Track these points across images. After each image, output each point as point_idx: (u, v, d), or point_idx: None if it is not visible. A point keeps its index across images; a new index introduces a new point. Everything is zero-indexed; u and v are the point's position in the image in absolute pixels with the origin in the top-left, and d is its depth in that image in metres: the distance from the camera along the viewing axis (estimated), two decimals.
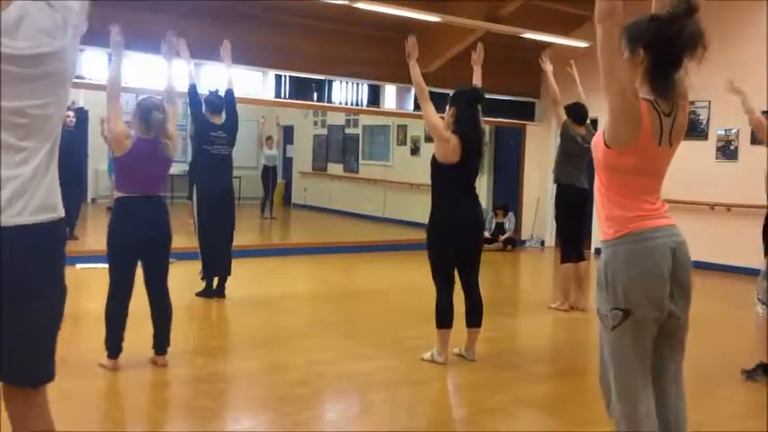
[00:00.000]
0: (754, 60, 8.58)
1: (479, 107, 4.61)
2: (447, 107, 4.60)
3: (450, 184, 4.52)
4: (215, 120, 6.26)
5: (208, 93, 6.38)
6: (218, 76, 6.62)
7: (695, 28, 2.24)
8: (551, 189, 11.33)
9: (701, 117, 9.40)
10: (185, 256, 6.94)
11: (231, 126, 6.32)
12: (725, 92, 5.06)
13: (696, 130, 9.41)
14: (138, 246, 4.19)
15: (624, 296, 2.32)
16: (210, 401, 3.87)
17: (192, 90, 6.15)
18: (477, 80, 4.97)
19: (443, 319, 4.55)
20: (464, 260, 4.61)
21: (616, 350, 2.38)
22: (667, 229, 2.38)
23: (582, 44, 8.91)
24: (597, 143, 2.41)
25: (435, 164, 4.55)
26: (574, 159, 6.25)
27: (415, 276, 8.60)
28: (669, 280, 2.34)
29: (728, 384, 4.41)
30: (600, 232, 2.46)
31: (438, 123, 4.50)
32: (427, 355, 4.64)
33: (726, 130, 9.19)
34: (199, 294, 6.34)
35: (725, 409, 4.01)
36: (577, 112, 6.35)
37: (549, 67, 6.30)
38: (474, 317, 4.68)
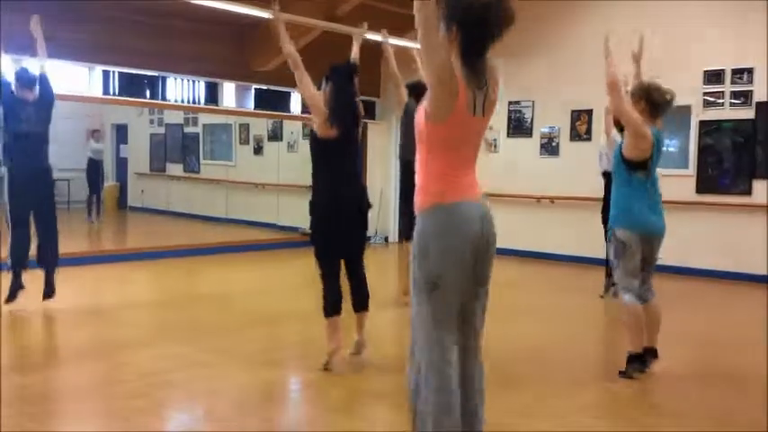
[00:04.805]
0: (574, 59, 9.32)
1: (355, 80, 4.57)
2: (323, 82, 4.49)
3: (331, 159, 4.41)
4: (26, 95, 5.86)
5: (19, 69, 5.99)
6: (33, 68, 6.15)
7: (505, 8, 2.39)
8: (394, 186, 11.66)
9: (525, 116, 10.06)
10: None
11: (46, 101, 5.93)
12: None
13: (522, 128, 10.06)
14: None
15: (434, 264, 2.45)
16: (35, 423, 3.57)
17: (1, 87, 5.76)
18: (354, 55, 5.05)
19: (332, 307, 4.38)
20: (348, 243, 4.47)
21: (425, 317, 2.50)
22: (476, 202, 2.53)
23: (417, 45, 9.21)
24: (419, 118, 2.52)
25: (316, 140, 4.42)
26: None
27: (260, 277, 8.51)
28: (475, 252, 2.49)
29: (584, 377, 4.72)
30: (415, 203, 2.56)
31: (316, 96, 4.39)
32: (326, 357, 4.42)
33: (549, 128, 9.90)
34: (9, 299, 5.78)
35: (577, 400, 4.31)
36: (419, 90, 6.49)
37: (389, 47, 6.39)
38: (359, 302, 4.59)
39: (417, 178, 2.57)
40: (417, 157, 2.57)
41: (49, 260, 5.95)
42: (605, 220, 6.86)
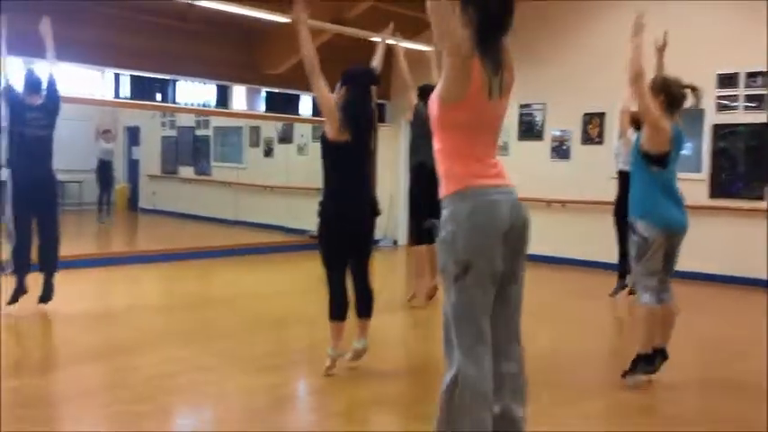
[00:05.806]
0: (586, 62, 9.24)
1: (373, 88, 4.46)
2: (338, 86, 4.38)
3: (341, 163, 4.34)
4: (32, 99, 5.86)
5: (26, 71, 5.99)
6: (42, 71, 6.16)
7: None
8: (404, 189, 11.63)
9: (536, 119, 9.98)
10: None
11: (52, 106, 5.91)
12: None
13: (532, 131, 10.00)
14: None
15: (464, 249, 2.36)
16: (37, 427, 3.56)
17: (7, 91, 5.81)
18: (377, 62, 4.90)
19: (336, 310, 4.38)
20: (355, 248, 4.44)
21: (457, 304, 2.42)
22: (504, 189, 2.47)
23: (427, 48, 9.16)
24: (432, 102, 2.48)
25: (326, 144, 4.34)
26: (429, 140, 6.36)
27: (268, 280, 8.50)
28: (504, 237, 2.42)
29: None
30: (440, 189, 2.49)
31: (331, 100, 4.27)
32: (327, 361, 4.41)
33: (561, 131, 9.82)
34: (11, 301, 5.76)
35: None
36: (429, 93, 6.43)
37: (400, 48, 6.24)
38: (363, 307, 4.54)
39: (439, 167, 2.50)
40: (436, 147, 2.51)
41: (49, 265, 5.94)
42: (618, 221, 6.76)
